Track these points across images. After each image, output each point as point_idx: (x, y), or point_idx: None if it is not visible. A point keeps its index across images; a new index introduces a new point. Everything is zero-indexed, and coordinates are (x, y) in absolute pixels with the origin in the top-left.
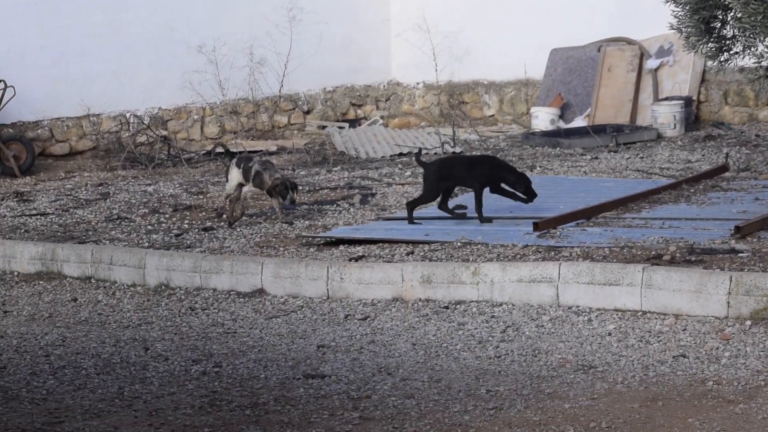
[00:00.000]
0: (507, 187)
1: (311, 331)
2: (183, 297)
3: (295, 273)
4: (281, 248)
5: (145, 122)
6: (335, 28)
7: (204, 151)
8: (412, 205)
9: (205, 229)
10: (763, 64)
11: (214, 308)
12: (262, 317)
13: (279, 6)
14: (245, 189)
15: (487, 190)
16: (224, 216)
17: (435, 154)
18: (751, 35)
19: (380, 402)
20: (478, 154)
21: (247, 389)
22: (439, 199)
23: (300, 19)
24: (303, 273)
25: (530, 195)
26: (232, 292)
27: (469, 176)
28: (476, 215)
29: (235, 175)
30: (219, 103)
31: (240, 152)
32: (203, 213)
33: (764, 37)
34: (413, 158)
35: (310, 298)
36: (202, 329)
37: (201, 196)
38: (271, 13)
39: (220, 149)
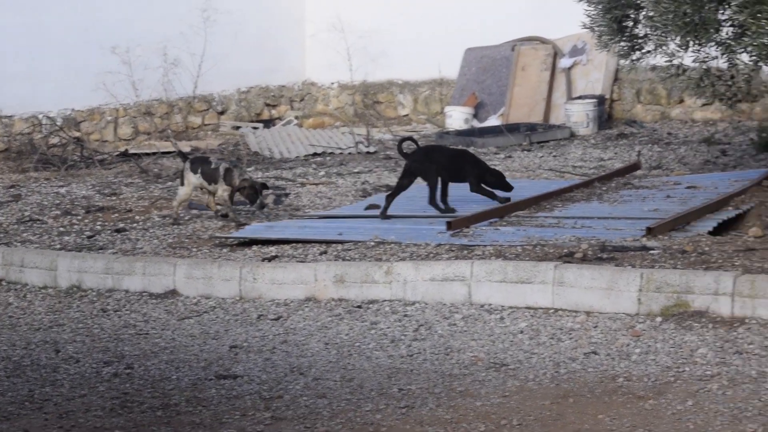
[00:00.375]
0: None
1: (224, 331)
2: (95, 299)
3: (208, 274)
4: (194, 249)
5: (58, 124)
6: (250, 29)
7: (117, 152)
8: (432, 199)
9: (118, 231)
10: (675, 62)
11: (126, 310)
12: (175, 318)
13: (193, 7)
14: (219, 191)
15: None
16: (173, 220)
17: (349, 153)
18: (663, 34)
19: (292, 402)
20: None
21: (159, 390)
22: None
23: (214, 20)
24: (216, 274)
25: (507, 188)
26: (144, 294)
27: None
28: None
29: (192, 179)
30: (133, 104)
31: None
32: (116, 214)
33: (675, 36)
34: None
35: (222, 298)
36: (114, 331)
37: (114, 198)
38: (185, 14)
39: (135, 150)
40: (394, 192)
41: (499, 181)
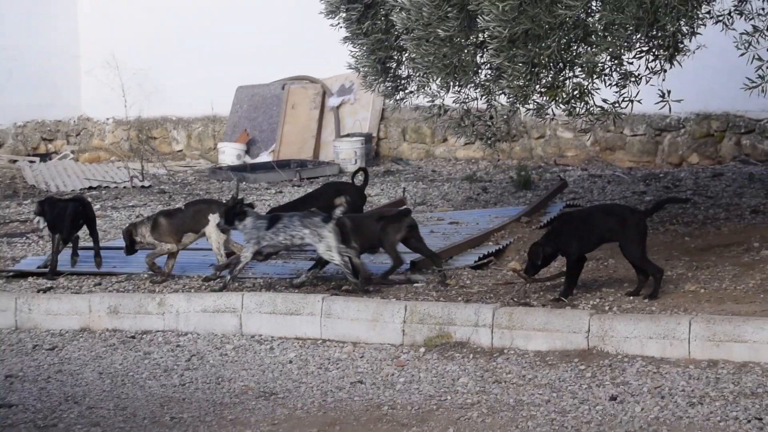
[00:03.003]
0: None
1: None
2: None
3: None
4: None
5: None
6: (25, 64)
7: None
8: None
9: None
10: (437, 102)
11: None
12: None
13: None
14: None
15: None
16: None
17: (124, 188)
18: (425, 75)
19: (66, 430)
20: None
21: None
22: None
23: None
24: None
25: None
26: None
27: None
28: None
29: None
30: None
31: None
32: None
33: (436, 77)
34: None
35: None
36: None
37: None
38: None
39: None
40: None
41: None
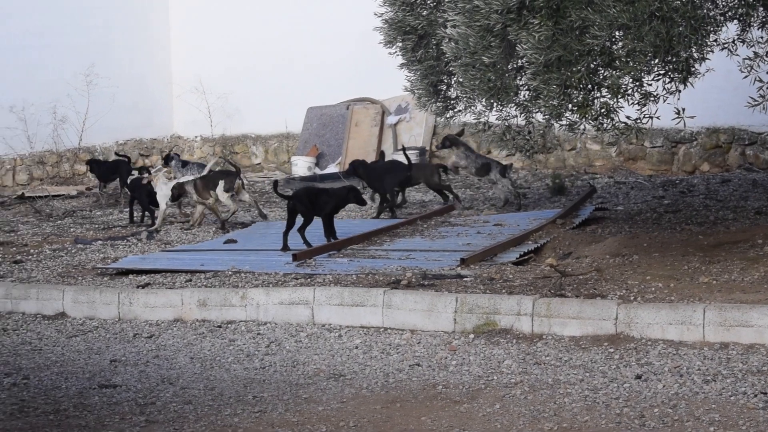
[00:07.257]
0: None
1: (105, 347)
2: None
3: (92, 298)
4: (80, 277)
5: None
6: (125, 91)
7: (15, 196)
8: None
9: (16, 262)
10: (482, 120)
11: (23, 329)
12: (64, 336)
13: (77, 72)
14: None
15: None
16: None
17: None
18: (471, 96)
19: (163, 407)
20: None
21: (51, 398)
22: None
23: (96, 84)
24: (98, 298)
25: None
26: (38, 315)
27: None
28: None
29: None
30: (28, 155)
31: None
32: (14, 248)
33: (482, 98)
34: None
35: (104, 319)
36: (13, 347)
37: (12, 234)
38: (71, 78)
39: (30, 194)
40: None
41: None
